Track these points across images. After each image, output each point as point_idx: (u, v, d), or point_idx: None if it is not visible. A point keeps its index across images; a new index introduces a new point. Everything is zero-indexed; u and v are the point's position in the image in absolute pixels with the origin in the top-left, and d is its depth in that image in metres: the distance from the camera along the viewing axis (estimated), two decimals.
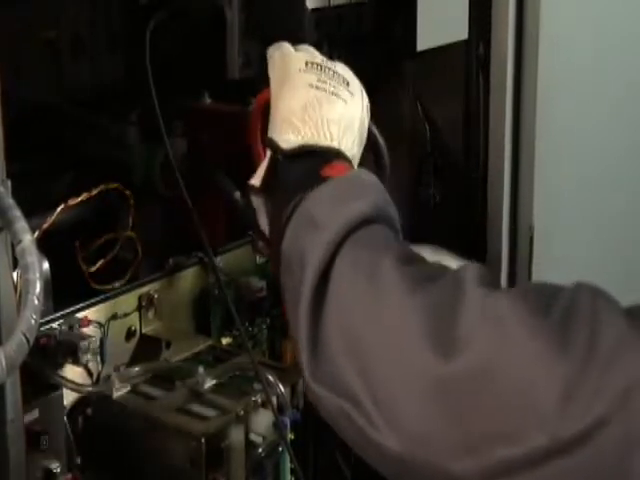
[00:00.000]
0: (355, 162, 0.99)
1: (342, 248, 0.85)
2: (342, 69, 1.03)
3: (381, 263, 0.82)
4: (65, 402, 1.11)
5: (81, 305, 1.14)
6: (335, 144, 0.96)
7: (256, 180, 0.96)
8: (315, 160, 0.94)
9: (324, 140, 0.96)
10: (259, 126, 1.04)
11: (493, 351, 0.70)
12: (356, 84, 1.03)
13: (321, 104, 0.98)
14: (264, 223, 0.97)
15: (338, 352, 0.80)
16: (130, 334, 1.20)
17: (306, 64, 1.01)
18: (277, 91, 1.01)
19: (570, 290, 0.73)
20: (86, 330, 1.13)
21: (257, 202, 0.97)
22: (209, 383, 1.17)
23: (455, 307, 0.74)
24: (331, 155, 0.95)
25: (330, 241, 0.84)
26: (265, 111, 1.04)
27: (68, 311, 1.12)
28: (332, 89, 0.99)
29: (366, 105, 1.03)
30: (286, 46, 1.04)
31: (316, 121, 0.96)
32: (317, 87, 0.98)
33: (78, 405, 1.13)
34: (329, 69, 1.01)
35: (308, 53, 1.04)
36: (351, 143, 0.98)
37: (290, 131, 0.96)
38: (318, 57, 1.02)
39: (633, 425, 0.66)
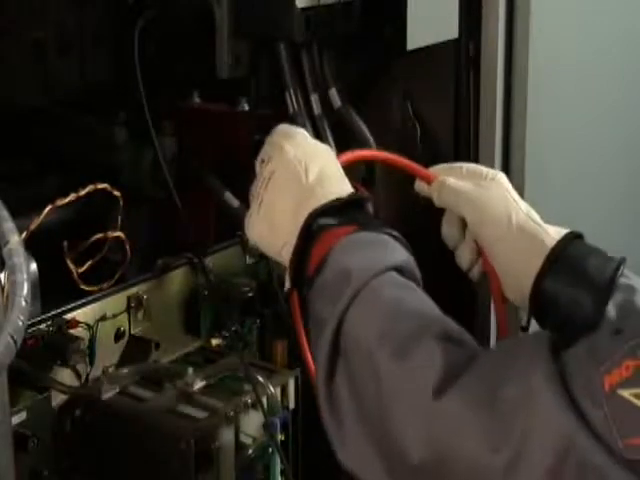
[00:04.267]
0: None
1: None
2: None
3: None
4: (53, 404, 1.10)
5: (69, 306, 1.13)
6: None
7: None
8: None
9: None
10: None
11: (447, 442, 0.79)
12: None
13: None
14: None
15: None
16: (119, 335, 1.19)
17: None
18: None
19: (522, 374, 0.77)
20: (74, 331, 1.12)
21: None
22: (199, 384, 1.17)
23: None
24: None
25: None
26: None
27: (56, 312, 1.12)
28: None
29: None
30: None
31: None
32: None
33: (66, 407, 1.13)
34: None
35: None
36: None
37: None
38: None
39: None
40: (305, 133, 1.05)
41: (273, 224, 0.99)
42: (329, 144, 1.32)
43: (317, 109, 1.31)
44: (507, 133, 1.44)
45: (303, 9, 1.22)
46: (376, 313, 0.87)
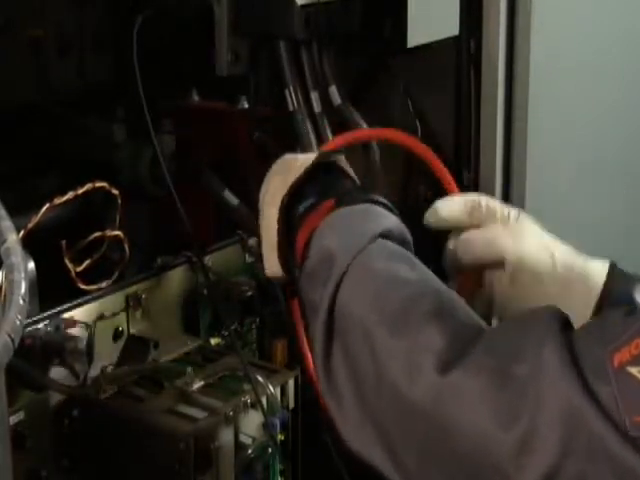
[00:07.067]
0: None
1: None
2: None
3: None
4: (51, 404, 1.10)
5: (67, 305, 1.12)
6: None
7: None
8: None
9: None
10: None
11: (454, 419, 0.77)
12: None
13: None
14: None
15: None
16: (117, 334, 1.19)
17: None
18: None
19: (534, 348, 0.75)
20: (72, 331, 1.11)
21: None
22: (198, 384, 1.16)
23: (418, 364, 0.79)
24: None
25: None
26: None
27: (54, 311, 1.11)
28: None
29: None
30: None
31: None
32: None
33: (64, 407, 1.12)
34: None
35: None
36: None
37: None
38: None
39: (582, 465, 0.72)
40: (289, 155, 1.04)
41: (270, 235, 0.98)
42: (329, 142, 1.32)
43: (317, 107, 1.31)
44: (508, 131, 1.44)
45: (303, 6, 1.22)
46: (368, 289, 0.85)
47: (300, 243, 0.93)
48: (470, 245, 0.99)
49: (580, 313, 0.92)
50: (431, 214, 1.00)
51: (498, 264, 0.98)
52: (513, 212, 0.99)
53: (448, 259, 1.01)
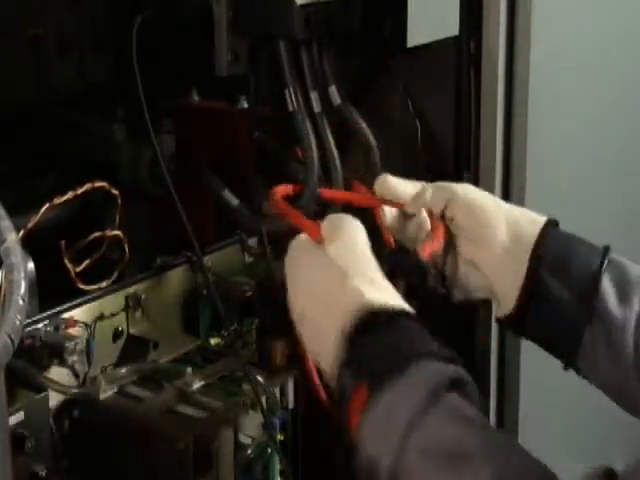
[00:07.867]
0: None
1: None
2: None
3: None
4: (51, 404, 1.09)
5: (67, 305, 1.13)
6: None
7: None
8: None
9: None
10: None
11: None
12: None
13: None
14: None
15: None
16: (117, 335, 1.19)
17: None
18: None
19: None
20: (72, 331, 1.11)
21: None
22: (197, 384, 1.16)
23: None
24: None
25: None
26: None
27: (54, 311, 1.11)
28: None
29: None
30: None
31: None
32: None
33: (64, 407, 1.12)
34: None
35: None
36: None
37: None
38: None
39: None
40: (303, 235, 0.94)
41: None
42: (328, 142, 1.32)
43: (317, 107, 1.31)
44: (508, 130, 1.44)
45: (303, 6, 1.22)
46: None
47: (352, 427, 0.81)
48: (420, 196, 1.00)
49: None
50: (380, 183, 1.01)
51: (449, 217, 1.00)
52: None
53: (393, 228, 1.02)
